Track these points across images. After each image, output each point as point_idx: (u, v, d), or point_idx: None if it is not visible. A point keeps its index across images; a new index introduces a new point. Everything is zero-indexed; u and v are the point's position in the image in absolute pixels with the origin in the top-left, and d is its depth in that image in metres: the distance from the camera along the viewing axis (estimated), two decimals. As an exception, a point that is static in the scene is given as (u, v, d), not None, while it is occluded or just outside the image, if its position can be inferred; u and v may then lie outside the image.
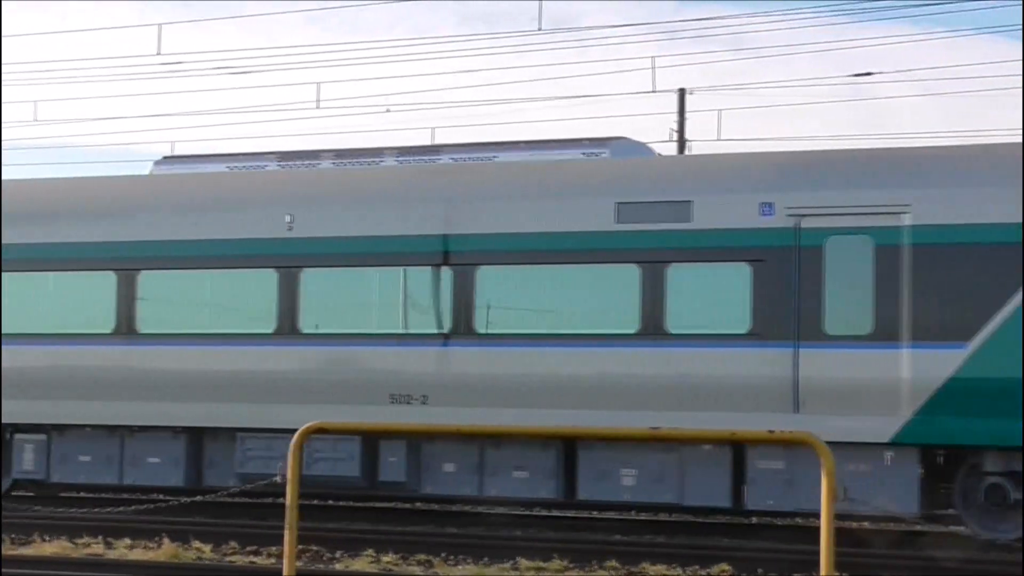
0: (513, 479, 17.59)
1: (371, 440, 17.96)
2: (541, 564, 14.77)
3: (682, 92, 39.31)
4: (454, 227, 17.91)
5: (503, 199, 17.93)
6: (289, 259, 18.50)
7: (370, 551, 15.43)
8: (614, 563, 14.73)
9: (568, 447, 17.44)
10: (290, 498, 9.06)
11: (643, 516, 20.10)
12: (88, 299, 19.38)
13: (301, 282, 18.42)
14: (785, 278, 16.58)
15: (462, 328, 17.74)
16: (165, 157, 20.58)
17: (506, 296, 17.75)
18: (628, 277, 17.19)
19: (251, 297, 18.69)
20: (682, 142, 39.24)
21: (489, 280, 17.71)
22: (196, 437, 18.98)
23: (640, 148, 18.90)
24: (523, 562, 14.88)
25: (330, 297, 18.36)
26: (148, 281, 19.17)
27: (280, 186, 19.14)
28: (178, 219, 19.17)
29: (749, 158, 18.09)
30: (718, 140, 41.38)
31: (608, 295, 17.30)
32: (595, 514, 20.42)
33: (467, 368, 17.66)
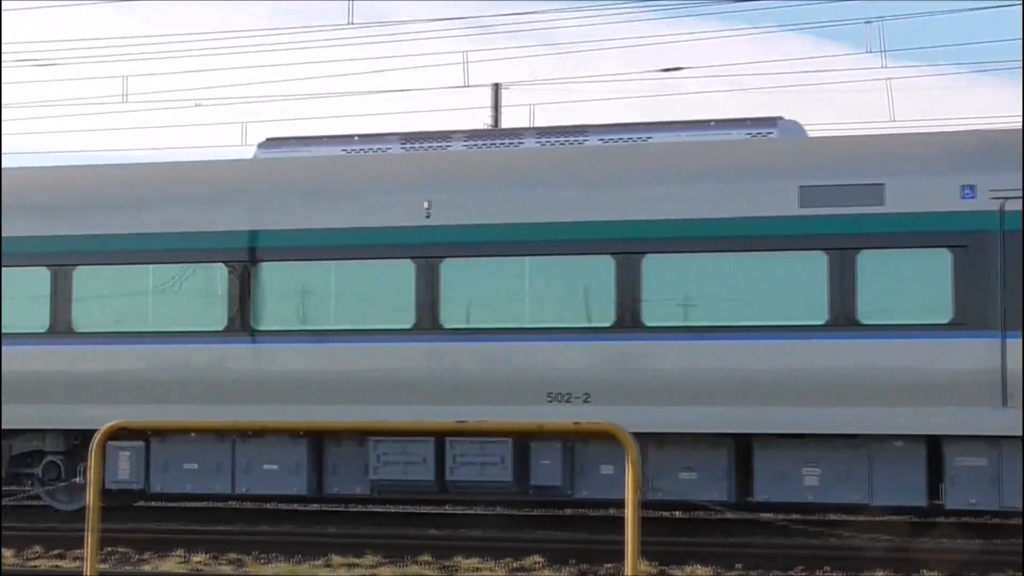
0: (680, 481, 16.41)
1: (522, 443, 16.88)
2: (354, 560, 14.68)
3: (496, 87, 39.46)
4: (617, 213, 16.84)
5: (670, 183, 16.82)
6: (428, 248, 17.34)
7: (180, 551, 15.19)
8: (427, 557, 14.71)
9: (742, 445, 16.52)
10: (92, 500, 8.84)
11: (458, 510, 20.11)
12: (198, 294, 17.97)
13: (441, 273, 17.26)
14: (989, 264, 15.75)
15: (628, 321, 16.72)
16: (268, 139, 18.85)
17: (676, 286, 16.65)
18: (814, 265, 16.33)
19: (386, 290, 17.43)
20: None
21: (657, 269, 16.67)
22: (318, 441, 17.66)
23: (801, 129, 17.83)
24: (335, 558, 14.78)
25: (476, 289, 17.17)
26: (267, 274, 17.74)
27: (411, 170, 17.82)
28: (295, 206, 17.76)
29: (946, 137, 16.96)
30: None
31: (791, 284, 16.35)
32: (410, 509, 20.37)
33: (634, 364, 16.70)
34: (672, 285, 16.64)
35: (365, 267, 17.48)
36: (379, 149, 18.21)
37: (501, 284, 17.08)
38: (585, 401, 16.58)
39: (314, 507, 20.42)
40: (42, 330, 18.31)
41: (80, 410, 17.88)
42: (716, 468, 16.44)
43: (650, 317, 16.60)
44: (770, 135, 17.18)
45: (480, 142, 18.06)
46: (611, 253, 16.75)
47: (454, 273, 17.19)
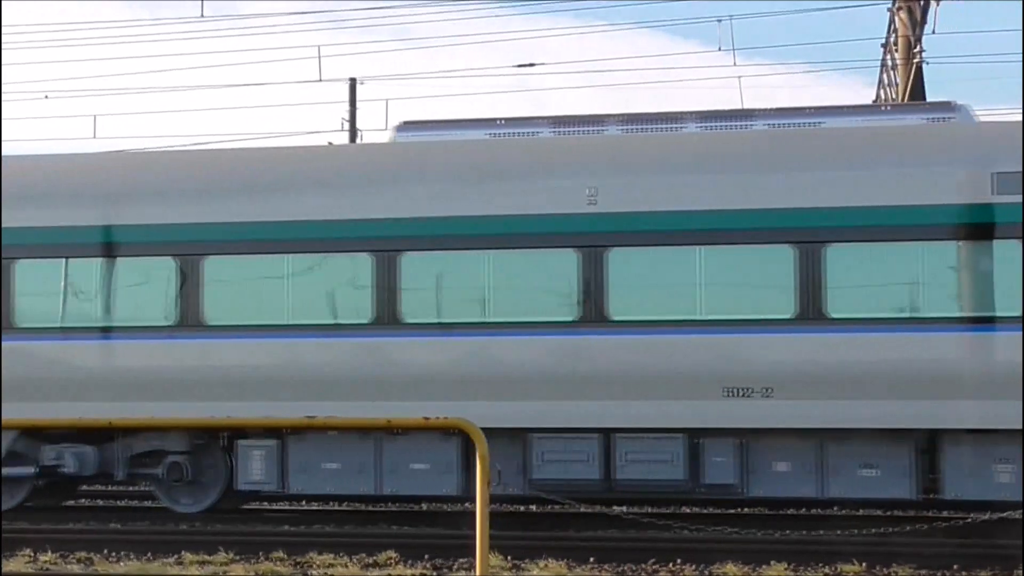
0: (860, 478, 16.06)
1: (694, 440, 16.33)
2: (206, 557, 14.53)
3: (353, 81, 39.30)
4: (796, 200, 16.24)
5: (854, 168, 16.23)
6: (593, 237, 16.64)
7: (27, 551, 14.90)
8: (280, 554, 14.60)
9: (927, 440, 16.07)
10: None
11: (313, 506, 19.99)
12: (340, 285, 17.18)
13: (608, 263, 16.52)
14: None
15: (811, 312, 16.14)
16: (405, 122, 17.92)
17: (860, 275, 16.06)
18: (1011, 254, 15.77)
19: (543, 280, 16.69)
20: (354, 131, 39.21)
21: (840, 259, 16.06)
22: (468, 439, 16.62)
23: (973, 113, 17.12)
24: (188, 556, 14.61)
25: (645, 279, 16.46)
26: (412, 264, 16.95)
27: (569, 154, 17.06)
28: (441, 193, 16.97)
29: None
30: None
31: (984, 274, 15.81)
32: (265, 504, 20.22)
33: (818, 356, 16.08)
34: (857, 273, 16.10)
35: (522, 256, 16.73)
36: (528, 133, 17.52)
37: (672, 274, 16.47)
38: (766, 396, 16.06)
39: (162, 504, 20.14)
40: (169, 323, 17.48)
41: (210, 408, 16.94)
42: (899, 465, 16.03)
43: (835, 308, 16.11)
44: (952, 119, 16.71)
45: (639, 126, 17.42)
46: (791, 242, 16.24)
47: (621, 262, 16.57)
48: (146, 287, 17.58)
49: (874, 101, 29.02)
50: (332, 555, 14.56)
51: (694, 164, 16.67)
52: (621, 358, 16.41)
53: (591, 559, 14.21)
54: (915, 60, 26.64)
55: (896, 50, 27.33)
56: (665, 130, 17.24)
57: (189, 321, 17.44)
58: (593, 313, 16.52)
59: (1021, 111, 17.58)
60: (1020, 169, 15.84)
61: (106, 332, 17.57)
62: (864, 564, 13.66)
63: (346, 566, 14.11)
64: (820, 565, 13.77)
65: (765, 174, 16.44)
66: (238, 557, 14.54)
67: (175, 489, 17.87)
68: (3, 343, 17.64)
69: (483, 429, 9.50)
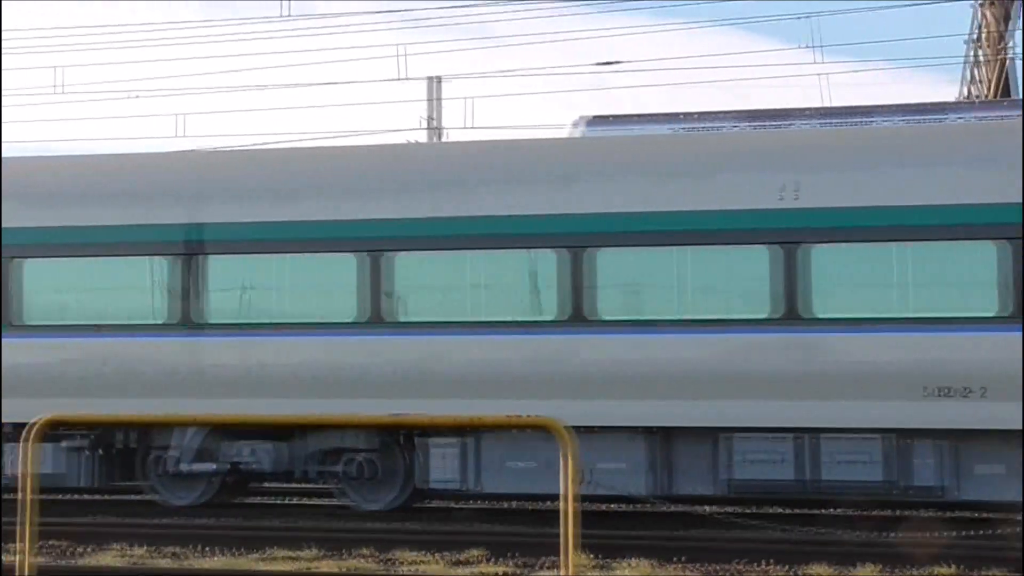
0: None
1: (900, 441, 15.88)
2: (293, 553, 14.61)
3: (434, 79, 39.34)
4: (1006, 195, 15.76)
5: None
6: (792, 233, 16.33)
7: (118, 545, 15.06)
8: (368, 550, 14.67)
9: None
10: (26, 493, 8.73)
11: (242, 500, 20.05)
12: (521, 280, 16.90)
13: (810, 260, 16.11)
14: None
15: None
16: (595, 117, 17.74)
17: None
18: None
19: (736, 276, 16.33)
20: (436, 130, 39.28)
21: None
22: (657, 439, 16.57)
23: None
24: (276, 552, 14.70)
25: (845, 276, 16.03)
26: (604, 260, 16.62)
27: (765, 148, 16.71)
28: (631, 188, 16.65)
29: None
30: (471, 128, 41.59)
31: None
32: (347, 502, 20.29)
33: None
34: None
35: (712, 253, 16.36)
36: (719, 128, 17.27)
37: (872, 270, 16.01)
38: (983, 396, 15.47)
39: (255, 500, 20.30)
40: (352, 319, 17.34)
41: (392, 405, 16.73)
42: None
43: None
44: None
45: (834, 120, 17.25)
46: (1000, 238, 15.74)
47: (822, 259, 16.16)
48: (328, 283, 17.46)
49: (966, 98, 28.64)
50: (419, 552, 14.59)
51: (896, 158, 16.26)
52: (823, 357, 16.06)
53: (678, 559, 14.14)
54: (1002, 56, 26.30)
55: (983, 46, 26.98)
56: (857, 124, 17.01)
57: (373, 318, 17.30)
58: (787, 310, 16.16)
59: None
60: None
61: (286, 329, 17.33)
62: (961, 566, 13.48)
63: (432, 563, 14.13)
64: (911, 567, 13.61)
65: (969, 168, 16.04)
66: (326, 553, 14.61)
67: (358, 487, 17.65)
68: (193, 339, 17.74)
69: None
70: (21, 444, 8.60)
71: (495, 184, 17.07)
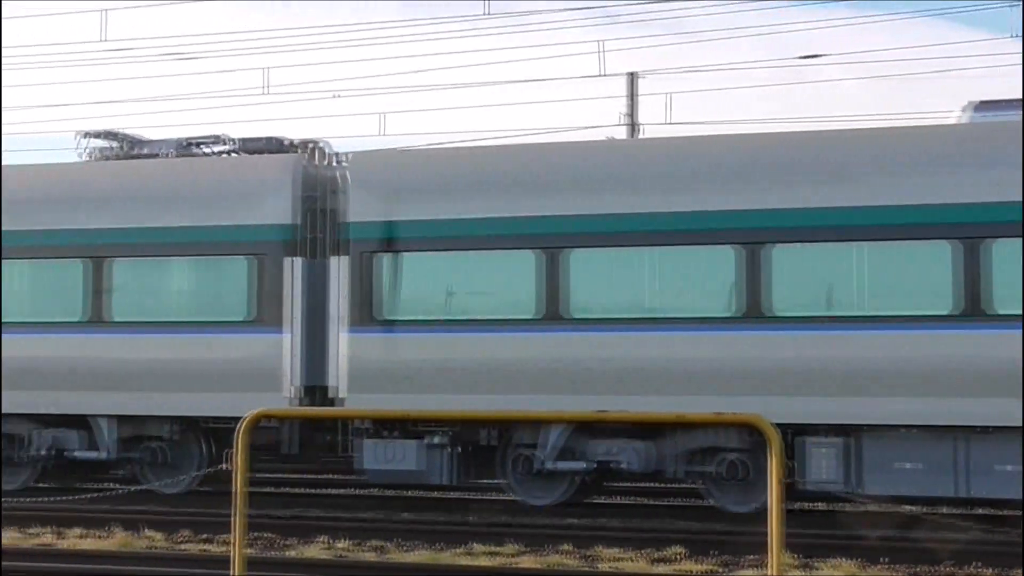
0: None
1: None
2: (495, 548, 14.70)
3: (632, 76, 39.25)
4: None
5: None
6: None
7: (323, 537, 15.33)
8: (568, 547, 14.68)
9: None
10: (238, 485, 8.93)
11: (600, 499, 20.05)
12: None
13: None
14: None
15: None
16: (982, 102, 17.00)
17: None
18: None
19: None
20: (633, 126, 39.17)
21: None
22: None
23: None
24: (477, 546, 14.81)
25: None
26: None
27: None
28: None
29: None
30: (669, 124, 41.29)
31: None
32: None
33: None
34: None
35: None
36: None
37: None
38: None
39: (454, 494, 20.49)
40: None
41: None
42: None
43: None
44: None
45: None
46: None
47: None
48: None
49: None
50: (619, 549, 14.56)
51: None
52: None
53: (883, 559, 13.88)
54: None
55: None
56: None
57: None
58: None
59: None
60: None
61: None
62: None
63: (633, 560, 14.09)
64: None
65: None
66: (526, 549, 14.67)
67: (726, 487, 17.30)
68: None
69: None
70: (236, 437, 8.80)
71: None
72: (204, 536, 15.58)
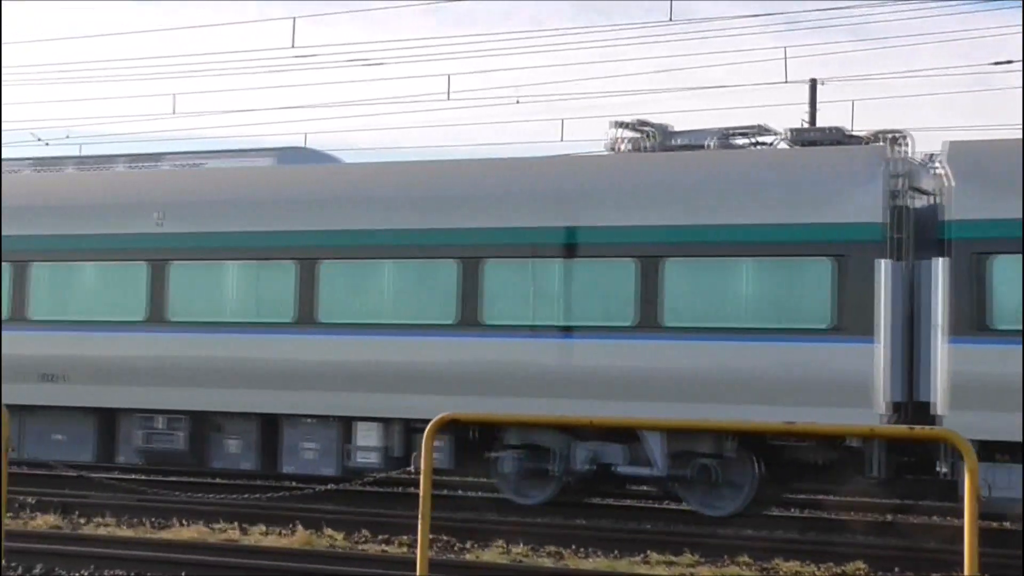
0: None
1: None
2: (672, 558, 14.62)
3: (814, 82, 38.81)
4: None
5: None
6: None
7: (500, 542, 15.40)
8: (746, 558, 14.55)
9: None
10: (424, 488, 9.00)
11: (774, 512, 19.83)
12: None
13: None
14: None
15: None
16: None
17: None
18: None
19: None
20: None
21: None
22: None
23: None
24: (653, 555, 14.75)
25: None
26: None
27: None
28: None
29: None
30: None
31: None
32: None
33: None
34: None
35: None
36: None
37: None
38: None
39: (628, 502, 20.44)
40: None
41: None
42: None
43: None
44: None
45: None
46: None
47: None
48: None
49: None
50: (798, 562, 14.39)
51: None
52: None
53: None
54: None
55: None
56: None
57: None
58: None
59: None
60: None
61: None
62: None
63: (813, 574, 13.91)
64: None
65: None
66: (703, 559, 14.57)
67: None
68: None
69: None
70: (424, 440, 8.87)
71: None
72: (383, 537, 15.74)
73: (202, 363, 19.31)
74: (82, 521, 16.77)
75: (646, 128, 19.08)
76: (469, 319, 18.21)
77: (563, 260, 17.86)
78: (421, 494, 9.03)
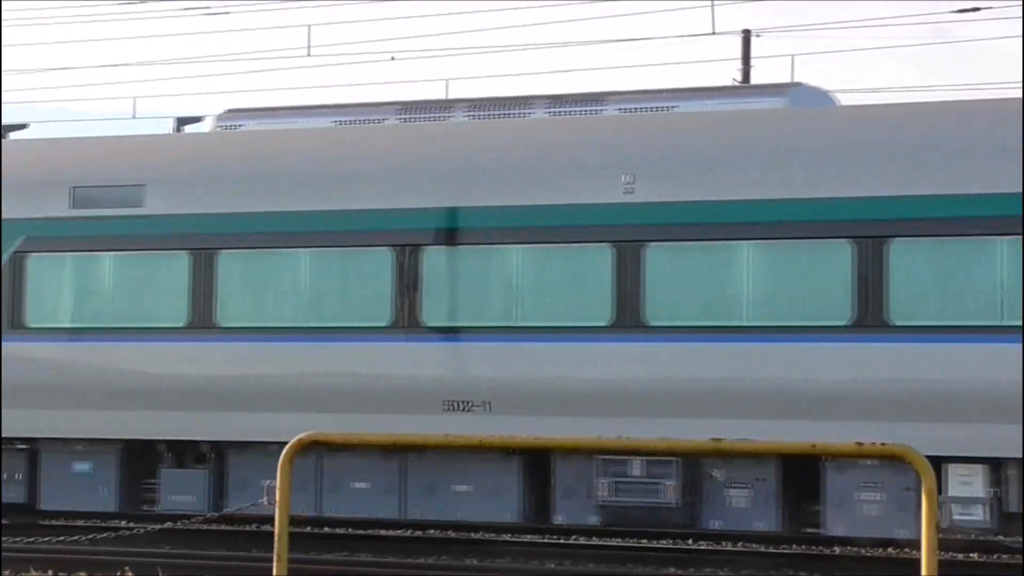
0: None
1: None
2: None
3: (746, 34, 39.13)
4: None
5: None
6: None
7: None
8: None
9: None
10: (279, 525, 8.80)
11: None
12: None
13: None
14: None
15: None
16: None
17: None
18: None
19: None
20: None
21: None
22: None
23: None
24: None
25: None
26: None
27: None
28: None
29: None
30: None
31: None
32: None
33: None
34: None
35: None
36: None
37: None
38: None
39: (528, 538, 20.51)
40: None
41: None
42: None
43: None
44: None
45: None
46: None
47: None
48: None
49: None
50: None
51: None
52: None
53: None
54: None
55: None
56: None
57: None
58: None
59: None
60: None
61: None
62: None
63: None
64: None
65: None
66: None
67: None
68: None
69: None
70: (280, 466, 8.82)
71: None
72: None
73: None
74: None
75: None
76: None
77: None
78: (276, 532, 8.88)
